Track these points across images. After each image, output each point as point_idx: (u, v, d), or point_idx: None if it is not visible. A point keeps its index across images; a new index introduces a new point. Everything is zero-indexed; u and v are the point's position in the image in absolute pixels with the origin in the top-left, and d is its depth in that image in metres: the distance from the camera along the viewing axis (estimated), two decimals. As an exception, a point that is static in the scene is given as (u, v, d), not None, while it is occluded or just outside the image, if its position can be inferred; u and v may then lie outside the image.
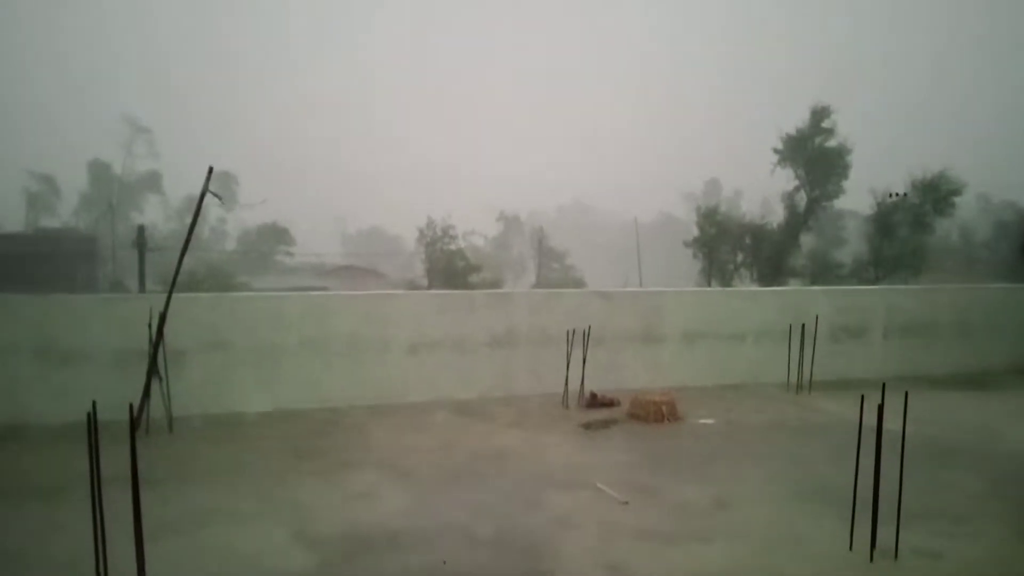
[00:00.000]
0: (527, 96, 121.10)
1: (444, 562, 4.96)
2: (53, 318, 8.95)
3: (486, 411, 9.54)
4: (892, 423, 5.00)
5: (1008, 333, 12.92)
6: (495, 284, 35.74)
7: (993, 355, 12.71)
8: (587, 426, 8.85)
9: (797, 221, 32.93)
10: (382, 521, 5.75)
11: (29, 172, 60.84)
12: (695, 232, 34.90)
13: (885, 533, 5.00)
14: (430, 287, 33.16)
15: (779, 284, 26.84)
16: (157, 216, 61.73)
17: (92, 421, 4.04)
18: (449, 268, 34.37)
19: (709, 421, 9.15)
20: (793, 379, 11.03)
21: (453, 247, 37.14)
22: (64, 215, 62.51)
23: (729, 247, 33.63)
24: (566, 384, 10.00)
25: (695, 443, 8.33)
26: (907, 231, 31.24)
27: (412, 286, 34.18)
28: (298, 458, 7.51)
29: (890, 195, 30.71)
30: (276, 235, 53.80)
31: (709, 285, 30.10)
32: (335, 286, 33.83)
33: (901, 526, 5.01)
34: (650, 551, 5.22)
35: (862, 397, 5.10)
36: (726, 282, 31.46)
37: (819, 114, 32.45)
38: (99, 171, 62.43)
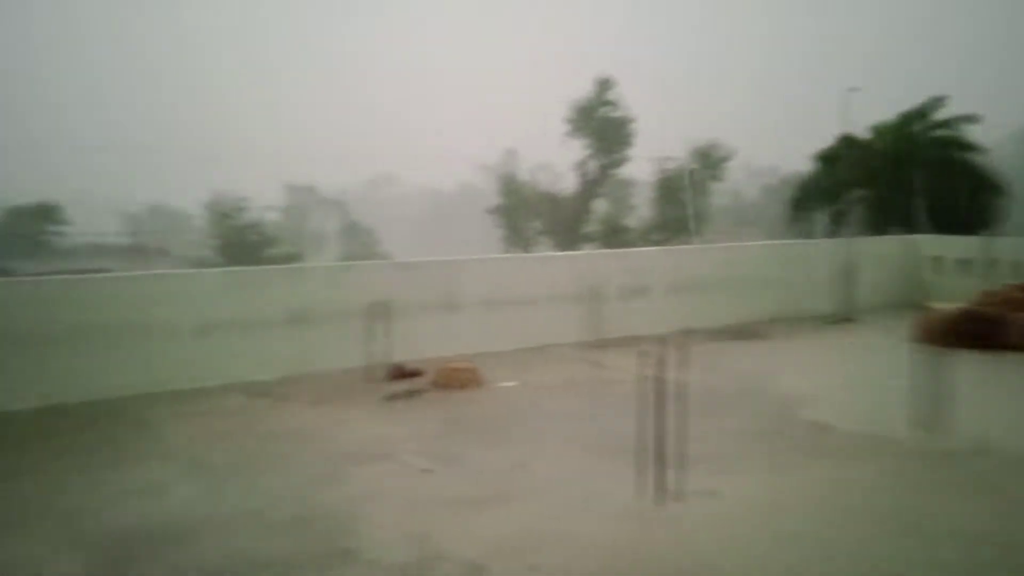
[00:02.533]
0: (324, 66, 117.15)
1: (242, 551, 4.74)
2: None
3: (284, 391, 9.19)
4: (676, 374, 5.36)
5: (773, 285, 14.29)
6: (293, 259, 34.48)
7: (761, 307, 14.01)
8: (390, 398, 8.79)
9: (589, 189, 34.52)
10: (169, 515, 5.39)
11: None
12: (496, 201, 35.65)
13: (670, 479, 5.37)
14: (222, 264, 31.41)
15: (574, 249, 28.07)
16: None
17: None
18: (242, 243, 32.70)
19: (510, 384, 9.39)
20: (586, 339, 11.57)
21: (245, 222, 35.38)
22: None
23: (527, 215, 34.67)
24: (368, 358, 9.85)
25: (497, 407, 8.53)
26: (687, 196, 33.72)
27: (202, 264, 32.20)
28: (68, 455, 6.84)
29: (688, 171, 32.97)
30: (44, 214, 48.60)
31: (510, 253, 30.90)
32: (118, 267, 31.20)
33: (683, 470, 5.41)
34: (453, 518, 5.28)
35: (647, 351, 5.42)
36: (526, 249, 32.45)
37: (603, 85, 34.01)
38: None
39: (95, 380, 8.81)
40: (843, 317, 13.51)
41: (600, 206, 36.35)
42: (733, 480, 5.88)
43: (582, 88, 34.80)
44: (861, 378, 9.65)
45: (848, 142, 22.60)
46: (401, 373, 9.73)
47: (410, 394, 8.95)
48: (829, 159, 22.90)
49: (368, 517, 5.29)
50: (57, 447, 7.13)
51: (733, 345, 11.79)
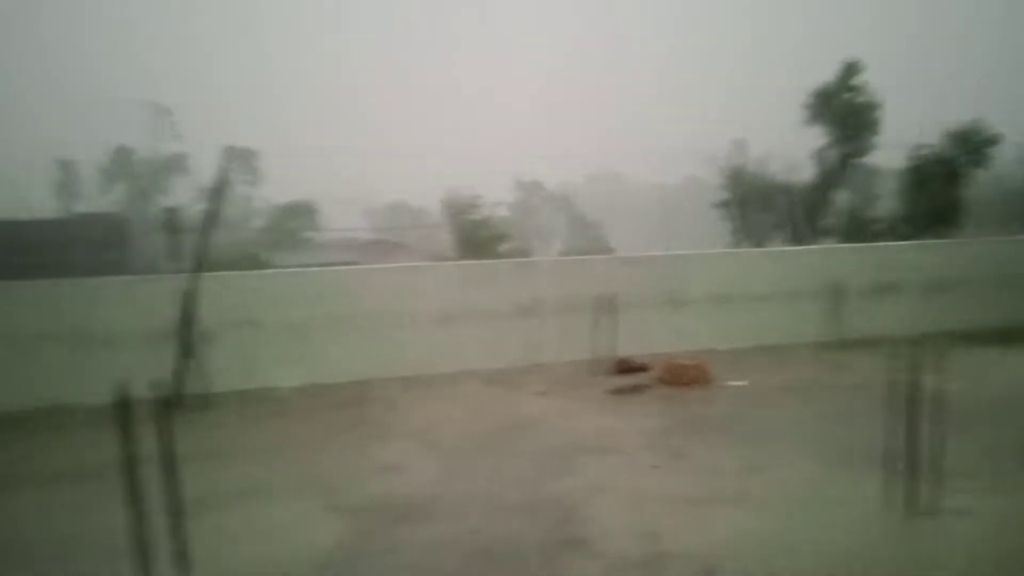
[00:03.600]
0: (546, 66, 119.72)
1: (476, 532, 4.98)
2: (86, 302, 9.08)
3: (514, 380, 9.54)
4: (930, 380, 4.90)
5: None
6: (522, 254, 35.63)
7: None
8: (616, 392, 8.82)
9: (828, 179, 32.34)
10: (411, 492, 5.78)
11: (56, 159, 61.67)
12: (724, 194, 34.46)
13: (922, 492, 4.92)
14: (457, 258, 33.20)
15: (811, 243, 26.46)
16: (185, 197, 62.31)
17: (122, 401, 4.06)
18: (475, 238, 34.29)
19: (740, 383, 9.07)
20: (824, 338, 10.88)
21: (478, 217, 37.00)
22: (94, 200, 63.36)
23: (759, 208, 33.19)
24: (594, 351, 9.96)
25: (727, 406, 8.26)
26: (941, 184, 30.56)
27: (438, 258, 34.23)
28: (327, 431, 7.59)
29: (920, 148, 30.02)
30: (302, 212, 54.01)
31: (739, 247, 29.78)
32: (363, 261, 33.97)
33: (936, 484, 4.93)
34: (682, 516, 5.19)
35: (896, 354, 5.00)
36: (757, 243, 31.09)
37: (848, 69, 31.67)
38: (125, 155, 63.11)
39: (348, 364, 9.68)
40: None
41: (841, 197, 33.92)
42: (990, 499, 5.27)
43: (820, 73, 32.63)
44: None
45: None
46: (627, 367, 9.74)
47: (636, 389, 8.92)
48: None
49: (596, 509, 5.34)
50: (318, 424, 7.93)
51: (995, 350, 10.55)
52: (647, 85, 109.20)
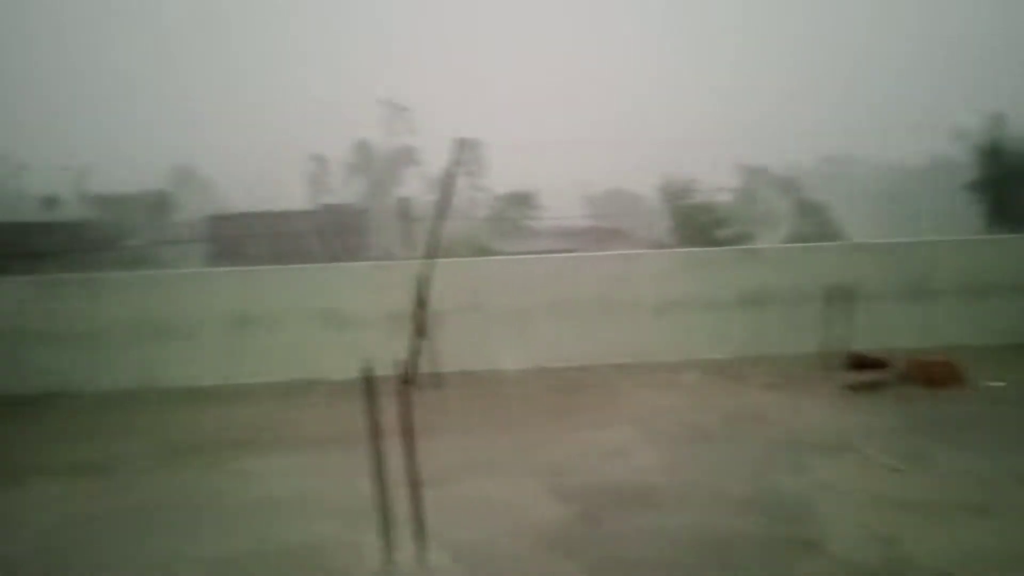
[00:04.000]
0: (771, 45, 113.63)
1: (702, 524, 4.92)
2: (333, 285, 10.00)
3: (738, 371, 9.25)
4: None
5: None
6: (744, 240, 34.31)
7: None
8: (852, 388, 8.27)
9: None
10: (634, 478, 5.80)
11: (308, 154, 68.24)
12: (976, 174, 31.03)
13: None
14: (675, 245, 32.64)
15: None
16: (417, 188, 66.48)
17: (366, 377, 4.44)
18: (694, 224, 33.49)
19: (998, 384, 8.16)
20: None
21: (697, 202, 36.08)
22: (339, 192, 69.35)
23: (1018, 188, 29.52)
24: (824, 344, 9.39)
25: (982, 408, 7.47)
26: None
27: (656, 245, 33.85)
28: (551, 414, 7.80)
29: None
30: (523, 201, 55.64)
31: (994, 233, 26.67)
32: (581, 248, 34.41)
33: None
34: (922, 522, 4.79)
35: None
36: (1014, 228, 27.68)
37: None
38: (365, 149, 68.52)
39: (567, 349, 9.89)
40: None
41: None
42: None
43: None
44: None
45: None
46: (862, 362, 9.09)
47: (874, 385, 8.31)
48: None
49: (829, 510, 5.06)
50: (540, 406, 8.17)
51: None
52: (884, 57, 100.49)
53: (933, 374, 8.26)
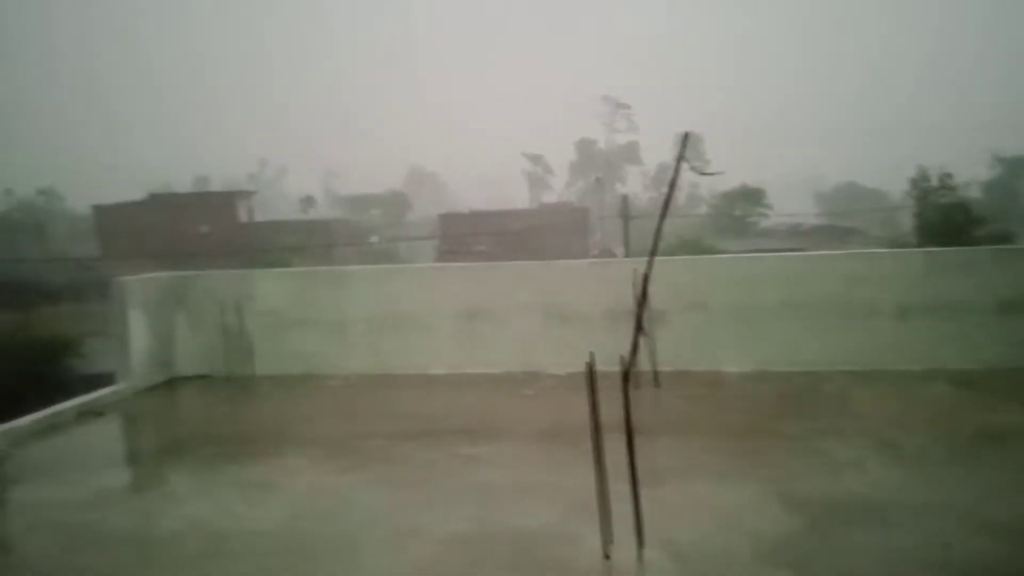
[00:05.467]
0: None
1: (948, 544, 4.49)
2: (555, 282, 10.24)
3: (992, 385, 8.30)
4: None
5: None
6: (1004, 239, 30.67)
7: None
8: None
9: None
10: (868, 493, 5.42)
11: (525, 154, 70.30)
12: None
13: None
14: (920, 244, 29.87)
15: None
16: (637, 185, 66.31)
17: (590, 372, 4.51)
18: (945, 222, 30.43)
19: None
20: None
21: (949, 199, 32.77)
22: (559, 190, 70.80)
23: None
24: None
25: None
26: None
27: (897, 244, 31.16)
28: (776, 419, 7.47)
29: None
30: (749, 197, 53.62)
31: None
32: (811, 247, 32.53)
33: None
34: None
35: None
36: None
37: None
38: (585, 148, 69.34)
39: (794, 352, 9.35)
40: None
41: None
42: None
43: None
44: None
45: None
46: None
47: None
48: None
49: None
50: (764, 410, 7.86)
51: None
52: None
53: None
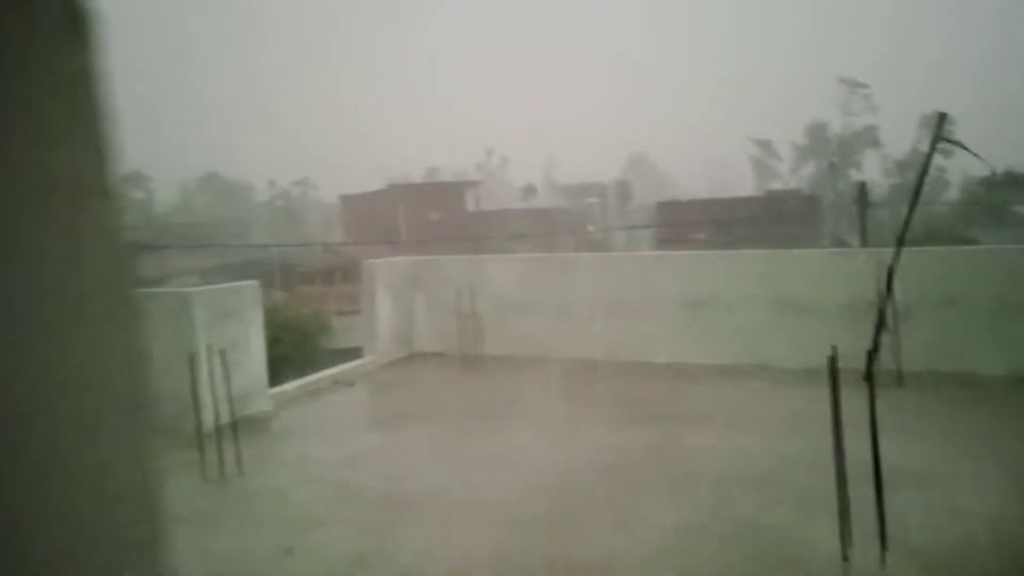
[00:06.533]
0: None
1: None
2: (785, 272, 9.84)
3: None
4: None
5: None
6: None
7: None
8: None
9: None
10: None
11: (752, 139, 67.39)
12: None
13: None
14: None
15: None
16: (876, 172, 61.46)
17: (833, 368, 4.33)
18: None
19: None
20: None
21: None
22: (786, 177, 67.33)
23: None
24: None
25: None
26: None
27: None
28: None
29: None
30: (1012, 184, 47.74)
31: None
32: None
33: None
34: None
35: None
36: None
37: None
38: (817, 132, 65.24)
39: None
40: None
41: None
42: None
43: None
44: None
45: None
46: None
47: None
48: None
49: None
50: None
51: None
52: None
53: None
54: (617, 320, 10.33)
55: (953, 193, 55.64)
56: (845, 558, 4.27)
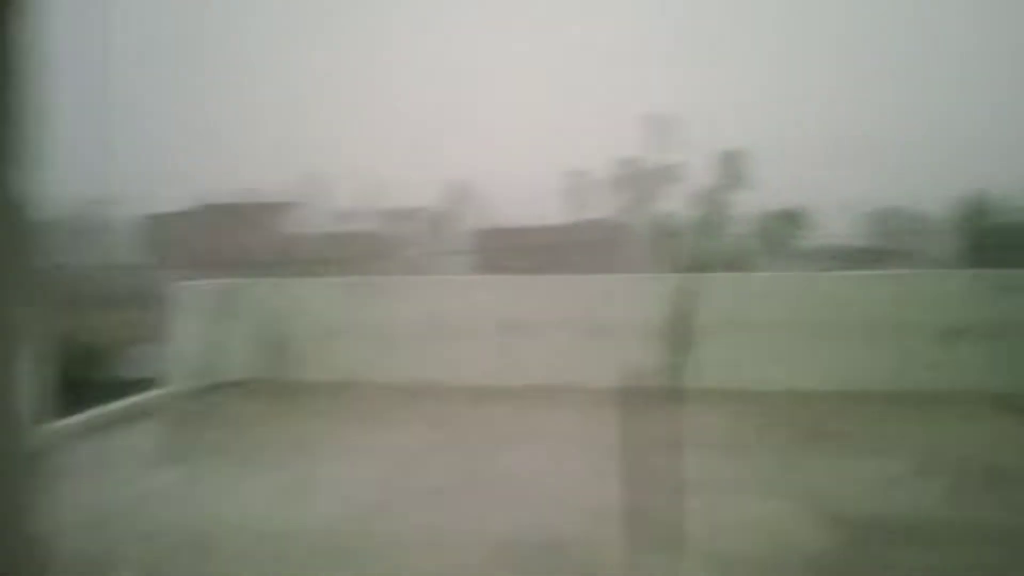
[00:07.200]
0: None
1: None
2: (592, 295, 10.39)
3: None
4: None
5: None
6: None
7: None
8: None
9: None
10: (913, 513, 5.41)
11: (567, 171, 70.25)
12: None
13: None
14: (968, 266, 29.33)
15: None
16: (680, 204, 65.71)
17: (624, 386, 4.58)
18: (993, 246, 29.87)
19: None
20: None
21: (998, 222, 32.19)
22: (598, 207, 70.58)
23: None
24: None
25: None
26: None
27: (940, 266, 30.67)
28: (802, 436, 7.44)
29: None
30: (790, 218, 52.78)
31: None
32: (852, 268, 32.07)
33: None
34: None
35: None
36: None
37: None
38: (628, 165, 69.11)
39: (828, 371, 9.31)
40: None
41: None
42: None
43: None
44: None
45: None
46: None
47: None
48: None
49: None
50: (792, 426, 7.84)
51: None
52: None
53: None
54: (432, 343, 10.36)
55: (742, 226, 60.63)
56: (635, 566, 4.49)
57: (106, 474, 6.77)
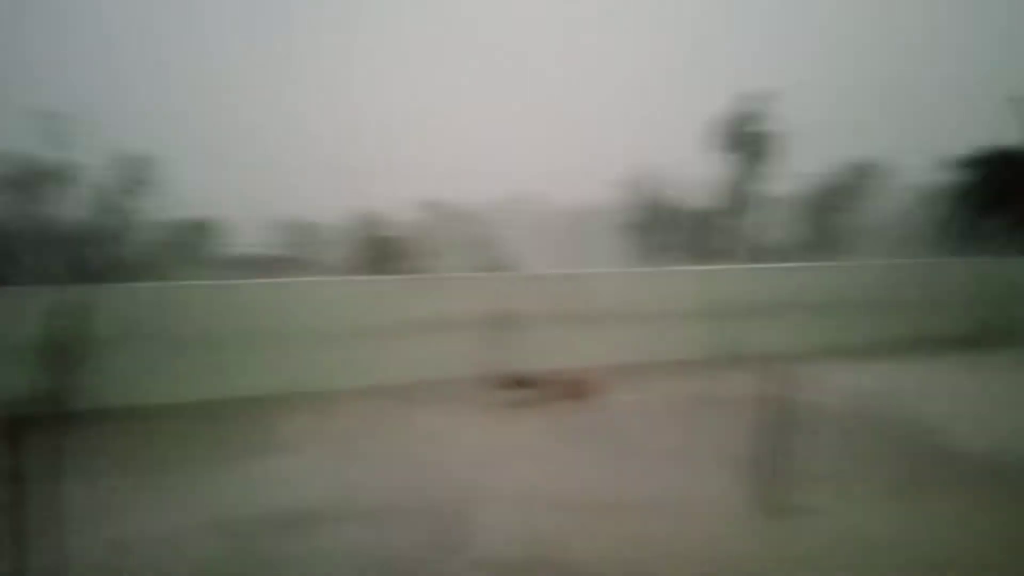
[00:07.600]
0: (462, 84, 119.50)
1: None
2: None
3: (412, 395, 9.55)
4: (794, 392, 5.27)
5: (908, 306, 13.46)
6: (424, 271, 35.49)
7: (895, 328, 13.22)
8: (507, 405, 8.97)
9: (731, 204, 33.71)
10: (294, 504, 5.75)
11: None
12: (630, 216, 35.50)
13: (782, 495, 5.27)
14: (358, 274, 32.85)
15: (710, 264, 27.50)
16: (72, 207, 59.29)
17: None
18: (379, 256, 34.10)
19: (630, 397, 9.36)
20: (715, 355, 11.32)
21: (382, 235, 36.75)
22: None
23: (663, 230, 34.30)
24: (490, 367, 10.04)
25: (605, 418, 8.52)
26: (832, 212, 32.54)
27: (343, 274, 33.80)
28: (219, 448, 7.45)
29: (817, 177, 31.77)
30: (201, 227, 52.15)
31: (643, 266, 30.67)
32: (263, 277, 33.08)
33: (794, 487, 5.33)
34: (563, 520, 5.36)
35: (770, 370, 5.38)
36: (660, 264, 32.06)
37: (756, 99, 33.12)
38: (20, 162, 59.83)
39: (244, 378, 9.48)
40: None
41: (742, 222, 35.39)
42: (839, 502, 5.69)
43: (727, 102, 34.05)
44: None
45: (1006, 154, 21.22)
46: (518, 382, 9.81)
47: (524, 403, 9.09)
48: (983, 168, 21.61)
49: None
50: (194, 442, 7.75)
51: (864, 364, 11.20)
52: (555, 106, 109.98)
53: (573, 390, 9.28)
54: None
55: (151, 234, 57.65)
56: None
57: None
